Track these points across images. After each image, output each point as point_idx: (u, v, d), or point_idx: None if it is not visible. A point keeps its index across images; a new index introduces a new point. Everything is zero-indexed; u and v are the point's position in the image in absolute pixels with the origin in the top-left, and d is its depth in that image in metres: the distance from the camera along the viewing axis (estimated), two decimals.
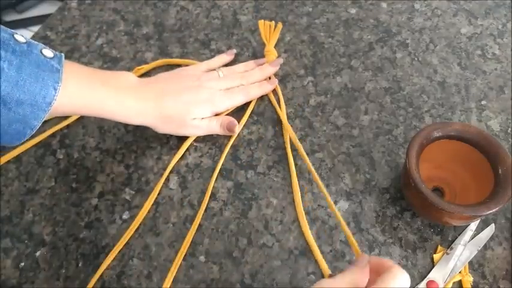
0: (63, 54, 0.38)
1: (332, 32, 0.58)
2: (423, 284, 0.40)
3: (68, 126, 0.51)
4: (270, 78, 0.53)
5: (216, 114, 0.50)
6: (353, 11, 0.60)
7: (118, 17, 0.61)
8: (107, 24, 0.60)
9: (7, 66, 0.33)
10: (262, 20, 0.56)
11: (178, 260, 0.42)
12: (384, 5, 0.61)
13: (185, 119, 0.47)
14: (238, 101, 0.51)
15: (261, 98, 0.52)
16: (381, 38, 0.57)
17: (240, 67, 0.53)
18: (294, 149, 0.49)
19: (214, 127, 0.48)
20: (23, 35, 0.36)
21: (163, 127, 0.47)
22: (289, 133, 0.48)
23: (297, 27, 0.59)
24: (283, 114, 0.50)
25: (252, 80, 0.52)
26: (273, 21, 0.56)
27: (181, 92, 0.47)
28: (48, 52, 0.36)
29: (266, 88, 0.52)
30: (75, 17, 0.61)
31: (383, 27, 0.58)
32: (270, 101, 0.52)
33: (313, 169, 0.45)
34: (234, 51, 0.55)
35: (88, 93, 0.40)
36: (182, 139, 0.49)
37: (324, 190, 0.43)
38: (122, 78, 0.44)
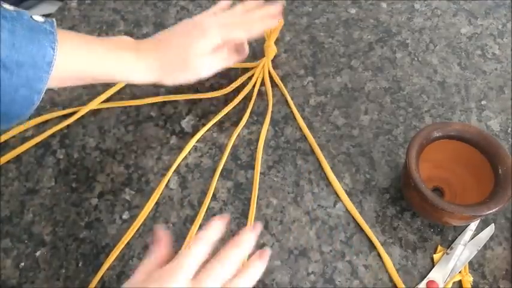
0: (54, 19, 0.38)
1: (332, 32, 0.58)
2: (423, 284, 0.40)
3: (68, 126, 0.51)
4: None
5: None
6: (353, 11, 0.60)
7: (118, 17, 0.61)
8: (107, 24, 0.60)
9: (2, 30, 0.33)
10: None
11: None
12: (384, 5, 0.61)
13: (187, 59, 0.45)
14: (239, 35, 0.47)
15: (261, 98, 0.52)
16: (381, 38, 0.57)
17: (238, 8, 0.49)
18: (294, 149, 0.49)
19: (221, 58, 0.47)
20: (12, 6, 0.36)
21: (168, 77, 0.45)
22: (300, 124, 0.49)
23: (297, 27, 0.59)
24: (293, 108, 0.51)
25: (253, 17, 0.48)
26: None
27: (178, 36, 0.46)
28: (38, 17, 0.36)
29: (269, 23, 0.49)
30: (75, 17, 0.61)
31: (383, 27, 0.58)
32: (270, 101, 0.52)
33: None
34: None
35: (86, 52, 0.40)
36: (182, 139, 0.49)
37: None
38: (119, 39, 0.44)
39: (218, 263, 0.33)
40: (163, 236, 0.35)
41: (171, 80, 0.46)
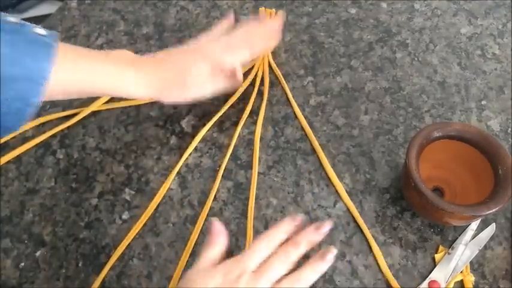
0: (57, 33, 0.37)
1: (332, 32, 0.58)
2: (425, 283, 0.40)
3: (68, 126, 0.51)
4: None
5: None
6: (353, 11, 0.60)
7: (118, 17, 0.61)
8: (107, 24, 0.60)
9: (1, 44, 0.33)
10: (263, 8, 0.58)
11: (184, 260, 0.42)
12: (384, 5, 0.61)
13: (186, 79, 0.45)
14: (242, 55, 0.48)
15: (261, 98, 0.52)
16: (381, 38, 0.57)
17: (240, 30, 0.49)
18: (294, 149, 0.49)
19: (218, 82, 0.47)
20: (16, 17, 0.35)
21: (167, 95, 0.45)
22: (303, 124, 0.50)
23: (297, 27, 0.59)
24: (296, 108, 0.51)
25: (255, 35, 0.49)
26: (274, 9, 0.57)
27: (179, 56, 0.46)
28: (40, 30, 0.36)
29: (269, 42, 0.50)
30: (75, 17, 0.61)
31: (383, 27, 0.58)
32: (269, 101, 0.52)
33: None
34: (232, 14, 0.51)
35: (86, 68, 0.40)
36: (182, 139, 0.49)
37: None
38: (119, 53, 0.44)
39: (276, 262, 0.34)
40: (220, 229, 0.37)
41: (168, 97, 0.46)
